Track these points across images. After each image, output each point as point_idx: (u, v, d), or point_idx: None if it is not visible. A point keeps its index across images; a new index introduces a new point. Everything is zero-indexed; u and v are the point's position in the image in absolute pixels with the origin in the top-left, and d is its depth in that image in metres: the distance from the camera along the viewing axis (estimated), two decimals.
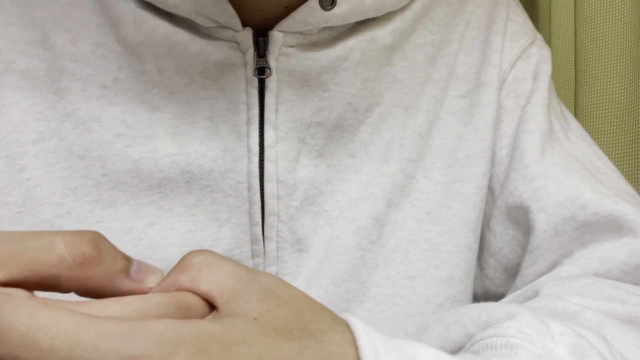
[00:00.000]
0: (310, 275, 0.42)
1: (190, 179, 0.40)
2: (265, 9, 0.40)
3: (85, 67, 0.39)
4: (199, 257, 0.23)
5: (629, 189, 0.45)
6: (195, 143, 0.40)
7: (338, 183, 0.43)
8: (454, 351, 0.30)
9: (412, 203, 0.44)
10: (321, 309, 0.24)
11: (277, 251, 0.42)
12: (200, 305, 0.22)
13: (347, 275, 0.42)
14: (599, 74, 0.70)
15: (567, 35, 0.78)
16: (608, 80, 0.69)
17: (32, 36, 0.40)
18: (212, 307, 0.22)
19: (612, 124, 0.70)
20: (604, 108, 0.70)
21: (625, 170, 0.69)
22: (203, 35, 0.39)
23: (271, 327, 0.21)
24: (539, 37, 0.50)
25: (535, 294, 0.39)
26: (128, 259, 0.23)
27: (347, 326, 0.23)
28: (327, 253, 0.42)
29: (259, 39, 0.40)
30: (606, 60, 0.70)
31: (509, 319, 0.28)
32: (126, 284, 0.22)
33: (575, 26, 0.73)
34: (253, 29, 0.39)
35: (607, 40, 0.69)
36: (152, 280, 0.23)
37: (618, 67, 0.69)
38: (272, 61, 0.40)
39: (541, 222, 0.43)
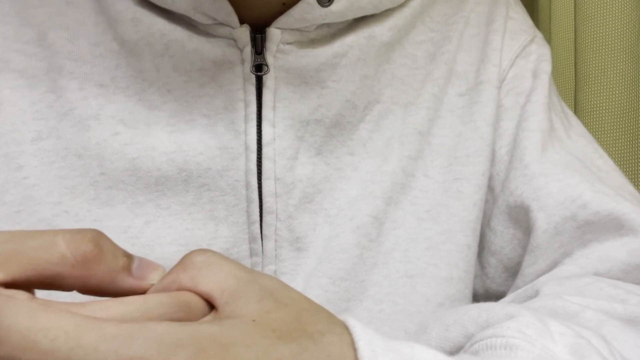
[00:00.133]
0: (309, 274, 0.42)
1: (187, 177, 0.40)
2: (262, 5, 0.40)
3: (83, 66, 0.39)
4: (201, 256, 0.23)
5: (629, 187, 0.45)
6: (193, 141, 0.40)
7: (337, 181, 0.43)
8: (454, 351, 0.30)
9: (412, 201, 0.44)
10: (320, 310, 0.24)
11: (276, 250, 0.41)
12: (201, 305, 0.22)
13: (346, 274, 0.42)
14: (599, 74, 0.70)
15: (567, 34, 0.78)
16: (608, 79, 0.69)
17: (30, 35, 0.39)
18: (212, 306, 0.23)
19: (612, 124, 0.70)
20: (604, 107, 0.70)
21: (625, 170, 0.69)
22: (200, 33, 0.39)
23: (270, 328, 0.21)
24: (539, 34, 0.50)
25: (536, 294, 0.39)
26: (129, 256, 0.23)
27: (345, 327, 0.23)
28: (326, 252, 0.42)
29: (257, 36, 0.39)
30: (606, 59, 0.69)
31: (509, 319, 0.28)
32: (128, 281, 0.23)
33: (575, 25, 0.72)
34: (250, 26, 0.39)
35: (607, 39, 0.69)
36: (153, 277, 0.23)
37: (618, 67, 0.69)
38: (270, 58, 0.40)
39: (541, 221, 0.43)
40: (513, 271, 0.47)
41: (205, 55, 0.39)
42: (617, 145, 0.69)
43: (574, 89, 0.75)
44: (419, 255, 0.44)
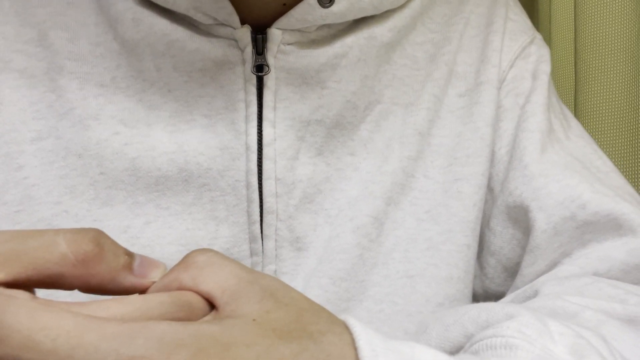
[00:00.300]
0: (309, 274, 0.42)
1: (188, 177, 0.40)
2: (263, 6, 0.40)
3: (84, 66, 0.39)
4: (202, 256, 0.23)
5: (628, 188, 0.45)
6: (193, 141, 0.40)
7: (337, 181, 0.43)
8: (454, 351, 0.30)
9: (412, 202, 0.44)
10: (320, 310, 0.24)
11: (276, 250, 0.41)
12: (202, 304, 0.22)
13: (346, 274, 0.42)
14: (599, 74, 0.70)
15: (567, 34, 0.78)
16: (608, 80, 0.69)
17: (30, 35, 0.39)
18: (212, 306, 0.23)
19: (612, 124, 0.70)
20: (604, 108, 0.70)
21: (625, 170, 0.69)
22: (201, 33, 0.39)
23: (270, 328, 0.21)
24: (538, 36, 0.50)
25: (535, 294, 0.39)
26: (130, 255, 0.23)
27: (345, 327, 0.23)
28: (326, 252, 0.42)
29: (257, 36, 0.39)
30: (606, 60, 0.69)
31: (509, 319, 0.28)
32: (129, 280, 0.23)
33: (575, 26, 0.72)
34: (251, 27, 0.39)
35: (607, 40, 0.69)
36: (155, 275, 0.23)
37: (618, 67, 0.69)
38: (271, 59, 0.40)
39: (541, 221, 0.43)
40: (512, 271, 0.47)
41: (206, 55, 0.39)
42: (617, 145, 0.69)
43: (574, 89, 0.75)
44: (418, 256, 0.44)
